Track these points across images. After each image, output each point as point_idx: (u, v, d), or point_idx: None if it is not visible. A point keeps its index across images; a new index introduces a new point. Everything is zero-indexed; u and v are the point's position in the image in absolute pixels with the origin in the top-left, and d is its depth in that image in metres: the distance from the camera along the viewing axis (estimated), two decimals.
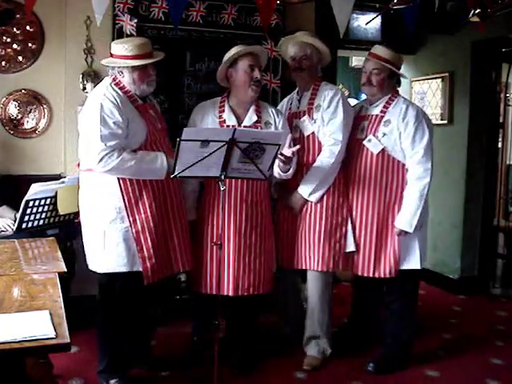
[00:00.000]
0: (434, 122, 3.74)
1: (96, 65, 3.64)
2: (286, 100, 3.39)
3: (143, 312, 2.95)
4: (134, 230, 2.70)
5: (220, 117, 3.00)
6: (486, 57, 4.53)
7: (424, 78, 4.96)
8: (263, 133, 2.77)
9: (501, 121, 4.95)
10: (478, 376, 3.14)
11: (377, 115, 3.10)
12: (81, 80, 3.67)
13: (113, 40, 3.48)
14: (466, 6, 3.21)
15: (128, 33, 3.62)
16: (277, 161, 2.75)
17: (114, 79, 2.74)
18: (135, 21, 3.64)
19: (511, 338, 3.73)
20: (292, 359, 3.25)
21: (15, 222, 3.05)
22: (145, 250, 2.71)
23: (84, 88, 3.67)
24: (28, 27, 3.65)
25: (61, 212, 3.15)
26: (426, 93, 4.94)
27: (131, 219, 2.69)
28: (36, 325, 1.59)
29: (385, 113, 3.08)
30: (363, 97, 5.15)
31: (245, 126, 2.95)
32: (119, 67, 2.71)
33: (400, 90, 3.23)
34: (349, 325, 3.53)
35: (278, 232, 3.21)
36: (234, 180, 2.88)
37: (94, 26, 3.37)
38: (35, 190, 2.98)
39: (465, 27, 3.96)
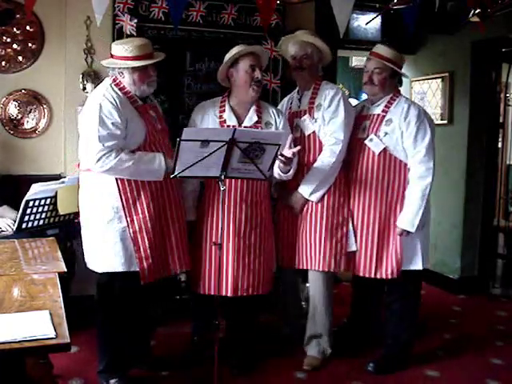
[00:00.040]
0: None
1: (96, 65, 3.64)
2: (286, 99, 3.39)
3: (143, 312, 2.95)
4: (131, 230, 2.70)
5: (220, 117, 3.00)
6: (486, 57, 4.53)
7: (424, 77, 4.96)
8: (263, 133, 2.77)
9: (501, 121, 4.95)
10: (478, 376, 3.14)
11: (378, 114, 3.10)
12: (81, 80, 3.67)
13: (113, 40, 3.49)
14: (466, 5, 3.21)
15: (128, 33, 3.62)
16: (277, 161, 2.75)
17: (114, 80, 2.75)
18: (135, 21, 3.64)
19: (511, 338, 3.73)
20: (292, 359, 3.25)
21: (15, 222, 3.05)
22: (142, 250, 2.71)
23: (84, 88, 3.67)
24: (28, 27, 3.65)
25: (61, 212, 3.15)
26: (426, 93, 4.94)
27: (129, 219, 2.70)
28: (36, 325, 1.59)
29: (386, 112, 3.08)
30: (363, 97, 5.16)
31: (245, 127, 2.95)
32: (119, 68, 2.71)
33: (400, 90, 3.23)
34: (348, 325, 3.52)
35: (278, 232, 3.20)
36: (233, 180, 2.88)
37: (94, 25, 3.37)
38: (35, 190, 2.99)
39: (465, 27, 3.96)
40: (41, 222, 3.13)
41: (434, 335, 3.71)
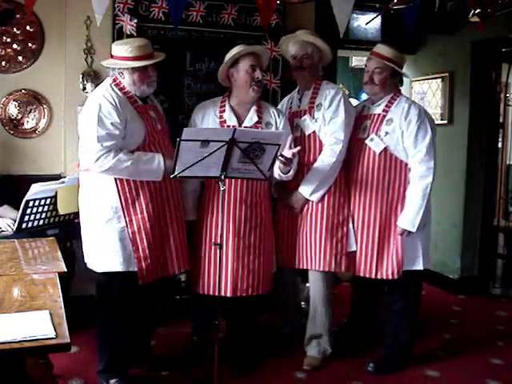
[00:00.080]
0: None
1: (96, 65, 3.64)
2: (286, 99, 3.39)
3: (143, 312, 2.95)
4: (130, 231, 2.70)
5: (221, 117, 3.00)
6: (486, 57, 4.53)
7: (424, 77, 4.96)
8: (263, 133, 2.77)
9: (501, 121, 4.95)
10: (478, 376, 3.14)
11: (379, 114, 3.10)
12: (81, 80, 3.67)
13: (113, 40, 3.49)
14: (466, 5, 3.21)
15: (128, 33, 3.62)
16: (277, 162, 2.75)
17: (114, 80, 2.75)
18: (135, 21, 3.64)
19: (511, 338, 3.73)
20: (292, 359, 3.24)
21: (15, 221, 3.05)
22: (140, 250, 2.71)
23: (84, 88, 3.67)
24: (28, 27, 3.64)
25: (61, 212, 3.16)
26: (426, 93, 4.94)
27: (127, 219, 2.70)
28: (36, 325, 1.59)
29: (387, 112, 3.08)
30: (363, 97, 5.16)
31: (245, 127, 2.95)
32: (119, 68, 2.72)
33: (401, 89, 3.23)
34: (348, 325, 3.52)
35: (278, 232, 3.20)
36: (233, 180, 2.88)
37: (94, 25, 3.37)
38: (35, 190, 2.99)
39: (465, 27, 3.96)
40: (41, 221, 3.13)
41: (434, 335, 3.71)
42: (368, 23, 4.33)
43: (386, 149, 3.04)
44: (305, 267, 3.15)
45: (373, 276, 3.08)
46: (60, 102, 3.74)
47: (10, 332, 1.52)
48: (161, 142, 2.81)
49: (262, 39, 3.89)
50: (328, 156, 3.04)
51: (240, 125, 2.97)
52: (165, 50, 2.94)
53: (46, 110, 3.74)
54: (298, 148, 2.81)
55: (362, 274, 3.12)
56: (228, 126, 2.94)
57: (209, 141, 2.44)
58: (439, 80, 4.78)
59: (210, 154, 2.47)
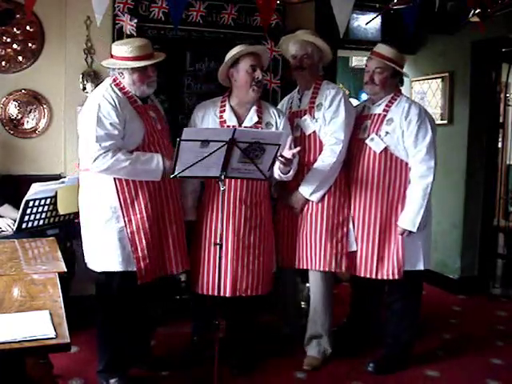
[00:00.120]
0: None
1: (96, 65, 3.64)
2: (286, 99, 3.39)
3: (143, 312, 2.95)
4: (128, 231, 2.70)
5: (221, 117, 3.00)
6: (486, 57, 4.53)
7: (424, 77, 4.96)
8: (263, 133, 2.77)
9: (501, 121, 4.95)
10: (478, 376, 3.14)
11: (379, 114, 3.10)
12: (81, 80, 3.67)
13: (113, 40, 3.49)
14: (466, 5, 3.20)
15: (128, 33, 3.62)
16: (277, 162, 2.75)
17: (114, 80, 2.75)
18: (135, 21, 3.63)
19: (511, 338, 3.73)
20: (292, 359, 3.24)
21: (15, 221, 3.05)
22: (139, 250, 2.72)
23: (84, 88, 3.67)
24: (28, 27, 3.64)
25: (61, 212, 3.16)
26: (426, 93, 4.94)
27: (126, 219, 2.70)
28: (36, 325, 1.59)
29: (387, 111, 3.08)
30: (363, 97, 5.16)
31: (245, 127, 2.95)
32: (119, 68, 2.72)
33: (401, 89, 3.23)
34: (348, 324, 3.52)
35: (278, 232, 3.20)
36: (233, 181, 2.88)
37: (94, 25, 3.37)
38: (35, 190, 2.99)
39: (465, 27, 3.96)
40: (41, 221, 3.13)
41: (434, 335, 3.71)
42: (368, 23, 4.33)
43: (386, 149, 3.04)
44: (305, 267, 3.15)
45: (373, 276, 3.07)
46: (60, 102, 3.74)
47: (10, 332, 1.52)
48: (160, 142, 2.80)
49: (262, 39, 3.89)
50: (328, 156, 3.04)
51: (240, 125, 2.96)
52: (165, 50, 2.94)
53: (45, 110, 3.74)
54: (298, 149, 2.80)
55: (362, 275, 3.11)
56: (228, 126, 2.93)
57: (209, 141, 2.44)
58: (439, 80, 4.78)
59: (210, 154, 2.47)
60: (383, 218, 3.05)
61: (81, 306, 3.01)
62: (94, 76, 3.66)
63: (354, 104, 3.49)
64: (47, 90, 3.74)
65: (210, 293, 2.96)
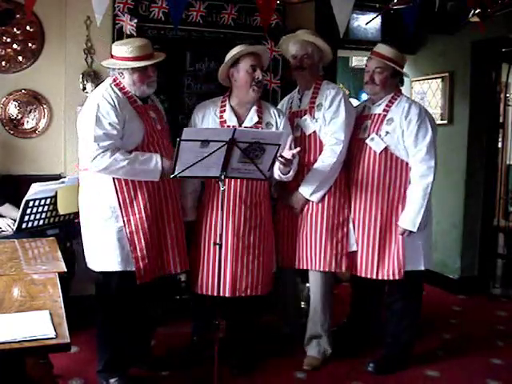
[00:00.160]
0: None
1: (96, 65, 3.64)
2: (286, 99, 3.39)
3: (142, 311, 2.95)
4: (127, 231, 2.71)
5: (221, 117, 3.00)
6: (486, 57, 4.53)
7: (424, 77, 4.96)
8: (263, 133, 2.76)
9: (501, 121, 4.95)
10: (478, 376, 3.14)
11: (379, 114, 3.10)
12: (81, 80, 3.67)
13: (113, 40, 3.49)
14: (466, 5, 3.21)
15: (128, 33, 3.62)
16: (277, 163, 2.75)
17: (114, 80, 2.76)
18: (135, 21, 3.63)
19: (511, 338, 3.73)
20: (292, 359, 3.24)
21: (15, 221, 3.05)
22: (138, 250, 2.72)
23: (84, 88, 3.67)
24: (28, 27, 3.64)
25: (61, 212, 3.16)
26: (426, 93, 4.94)
27: (125, 219, 2.70)
28: (36, 325, 1.59)
29: (387, 111, 3.08)
30: (363, 97, 5.15)
31: (245, 127, 2.94)
32: (119, 68, 2.72)
33: (401, 89, 3.23)
34: (348, 324, 3.52)
35: (278, 232, 3.20)
36: (233, 181, 2.88)
37: (94, 26, 3.37)
38: (35, 190, 2.99)
39: (465, 27, 3.96)
40: (41, 222, 3.13)
41: (434, 335, 3.71)
42: (368, 23, 4.33)
43: (386, 148, 3.03)
44: (305, 267, 3.15)
45: (374, 276, 3.07)
46: (60, 102, 3.74)
47: (10, 332, 1.52)
48: (160, 142, 2.80)
49: (262, 39, 3.89)
50: (328, 156, 3.04)
51: (240, 125, 2.96)
52: (165, 50, 2.94)
53: (45, 110, 3.74)
54: (298, 149, 2.80)
55: (363, 275, 3.11)
56: (228, 126, 2.93)
57: (209, 141, 2.44)
58: (439, 80, 4.78)
59: (210, 154, 2.47)
60: (383, 218, 3.04)
61: (81, 306, 3.01)
62: (94, 76, 3.66)
63: (354, 104, 3.49)
64: (47, 90, 3.74)
65: (210, 293, 2.96)
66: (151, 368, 3.05)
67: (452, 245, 4.73)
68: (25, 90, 3.69)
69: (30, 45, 3.66)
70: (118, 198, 2.69)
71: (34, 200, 3.01)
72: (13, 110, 3.69)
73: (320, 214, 3.09)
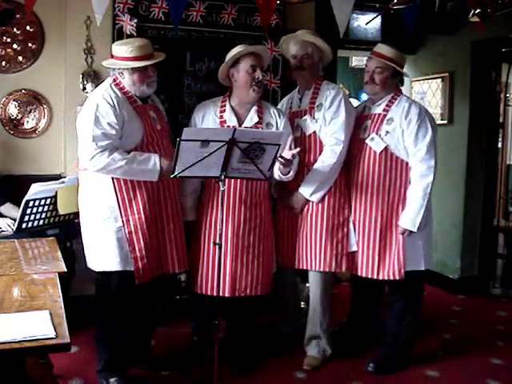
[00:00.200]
0: None
1: (96, 65, 3.64)
2: (286, 99, 3.39)
3: (142, 311, 2.95)
4: (126, 231, 2.71)
5: (221, 117, 3.00)
6: (486, 57, 4.53)
7: (424, 77, 4.96)
8: (263, 133, 2.76)
9: (501, 121, 4.95)
10: (478, 376, 3.14)
11: (379, 114, 3.10)
12: (81, 80, 3.67)
13: (113, 40, 3.49)
14: (466, 5, 3.21)
15: (128, 33, 3.62)
16: (277, 163, 2.74)
17: (114, 80, 2.76)
18: (135, 21, 3.63)
19: (511, 338, 3.73)
20: (292, 359, 3.24)
21: (15, 221, 3.05)
22: (137, 250, 2.72)
23: (84, 88, 3.67)
24: (28, 27, 3.64)
25: (61, 212, 3.16)
26: (426, 93, 4.94)
27: (124, 219, 2.70)
28: (36, 325, 1.59)
29: (387, 111, 3.08)
30: (363, 97, 5.15)
31: (246, 127, 2.94)
32: (119, 68, 2.72)
33: (401, 89, 3.23)
34: (348, 324, 3.52)
35: (277, 232, 3.20)
36: (233, 181, 2.88)
37: (94, 26, 3.37)
38: (35, 190, 2.99)
39: (465, 27, 3.96)
40: (41, 222, 3.13)
41: (434, 335, 3.71)
42: (368, 23, 4.33)
43: (386, 148, 3.03)
44: (305, 268, 3.15)
45: (375, 277, 3.07)
46: (60, 102, 3.74)
47: (10, 332, 1.52)
48: (159, 142, 2.80)
49: (262, 39, 3.89)
50: (328, 157, 3.03)
51: (240, 125, 2.96)
52: (165, 50, 2.94)
53: (45, 110, 3.74)
54: (298, 149, 2.79)
55: (364, 275, 3.11)
56: (228, 127, 2.93)
57: (209, 141, 2.44)
58: (439, 80, 4.78)
59: (210, 154, 2.47)
60: (384, 218, 3.04)
61: (81, 306, 3.01)
62: (94, 76, 3.66)
63: (354, 104, 3.49)
64: (47, 90, 3.74)
65: (209, 293, 2.96)
66: (151, 368, 3.05)
67: (452, 245, 4.73)
68: (25, 89, 3.69)
69: (29, 45, 3.66)
70: (117, 198, 2.69)
71: (34, 200, 3.01)
72: (13, 109, 3.69)
73: (320, 214, 3.09)
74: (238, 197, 2.93)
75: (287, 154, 2.74)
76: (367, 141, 3.07)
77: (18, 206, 3.02)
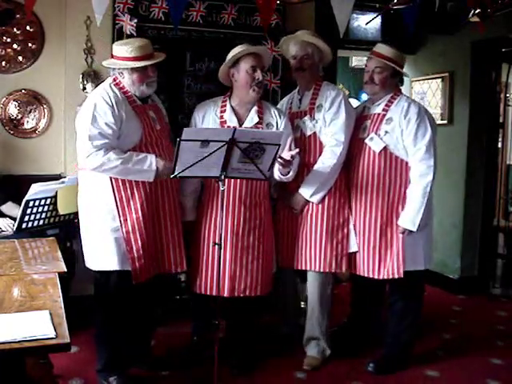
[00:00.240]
0: None
1: (96, 65, 3.64)
2: (285, 99, 3.39)
3: (142, 311, 2.95)
4: (124, 230, 2.71)
5: (221, 117, 2.99)
6: (486, 57, 4.53)
7: (424, 77, 4.96)
8: (263, 133, 2.76)
9: (501, 121, 4.95)
10: (478, 376, 3.14)
11: (379, 114, 3.10)
12: (81, 80, 3.67)
13: (113, 40, 3.50)
14: (466, 5, 3.21)
15: (128, 33, 3.62)
16: (277, 164, 2.74)
17: (114, 80, 2.76)
18: (135, 21, 3.63)
19: (511, 338, 3.73)
20: (292, 359, 3.24)
21: (15, 221, 3.05)
22: (134, 250, 2.72)
23: (84, 88, 3.67)
24: (28, 27, 3.64)
25: (61, 212, 3.16)
26: (426, 93, 4.94)
27: (122, 219, 2.70)
28: (36, 325, 1.59)
29: (387, 111, 3.07)
30: (363, 97, 5.15)
31: (246, 127, 2.94)
32: (119, 68, 2.72)
33: (401, 89, 3.23)
34: (348, 324, 3.52)
35: (277, 232, 3.20)
36: (232, 181, 2.88)
37: (94, 26, 3.37)
38: (35, 190, 2.99)
39: (465, 27, 3.97)
40: (41, 221, 3.13)
41: (434, 335, 3.71)
42: (368, 23, 4.33)
43: (385, 148, 3.03)
44: (304, 268, 3.14)
45: (375, 276, 3.07)
46: (60, 102, 3.74)
47: (10, 332, 1.52)
48: (159, 142, 2.80)
49: (262, 39, 3.89)
50: (328, 158, 3.03)
51: (241, 125, 2.96)
52: (165, 50, 2.94)
53: (45, 110, 3.74)
54: (297, 150, 2.78)
55: (364, 274, 3.11)
56: (228, 127, 2.93)
57: (209, 141, 2.44)
58: (439, 80, 4.78)
59: (210, 154, 2.47)
60: (384, 218, 3.04)
61: (81, 306, 3.00)
62: (94, 76, 3.66)
63: (354, 105, 3.49)
64: (47, 90, 3.74)
65: (209, 293, 2.96)
66: (151, 368, 3.05)
67: (452, 245, 4.73)
68: (25, 89, 3.69)
69: (30, 45, 3.66)
70: (115, 197, 2.70)
71: (34, 200, 3.01)
72: (13, 109, 3.69)
73: (320, 214, 3.09)
74: (237, 197, 2.93)
75: (286, 154, 2.74)
76: (366, 141, 3.07)
77: (19, 205, 3.02)
